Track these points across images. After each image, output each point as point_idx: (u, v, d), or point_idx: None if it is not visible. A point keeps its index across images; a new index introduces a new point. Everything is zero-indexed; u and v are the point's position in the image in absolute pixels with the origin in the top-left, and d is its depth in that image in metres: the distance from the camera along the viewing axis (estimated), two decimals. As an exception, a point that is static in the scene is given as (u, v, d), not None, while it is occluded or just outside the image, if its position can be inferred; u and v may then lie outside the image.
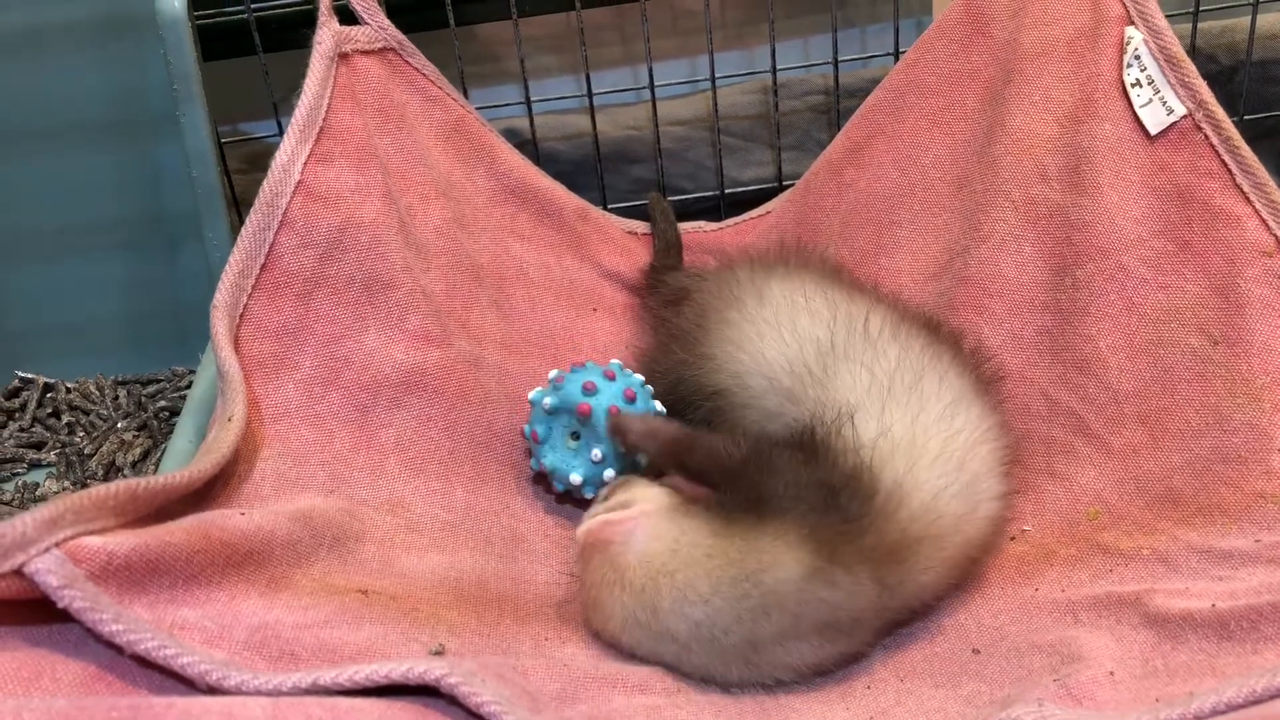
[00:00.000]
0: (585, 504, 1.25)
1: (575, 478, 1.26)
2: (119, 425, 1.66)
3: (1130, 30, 1.30)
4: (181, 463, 1.20)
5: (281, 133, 1.30)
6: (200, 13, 1.50)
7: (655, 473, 1.22)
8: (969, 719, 0.95)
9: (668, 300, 1.44)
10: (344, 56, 1.35)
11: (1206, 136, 1.24)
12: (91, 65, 1.62)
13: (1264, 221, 1.20)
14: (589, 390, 1.26)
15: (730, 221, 1.68)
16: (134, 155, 1.66)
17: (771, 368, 1.18)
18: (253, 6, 1.53)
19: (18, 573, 0.80)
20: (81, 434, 1.66)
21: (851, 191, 1.51)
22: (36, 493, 1.55)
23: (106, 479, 1.57)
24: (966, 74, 1.44)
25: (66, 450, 1.62)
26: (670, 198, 1.71)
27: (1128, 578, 1.08)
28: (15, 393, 1.74)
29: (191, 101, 1.44)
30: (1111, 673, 0.93)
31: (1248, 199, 1.21)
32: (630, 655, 1.05)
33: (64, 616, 0.83)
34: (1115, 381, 1.24)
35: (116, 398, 1.71)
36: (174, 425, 1.35)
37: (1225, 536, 1.08)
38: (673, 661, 1.03)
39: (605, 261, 1.57)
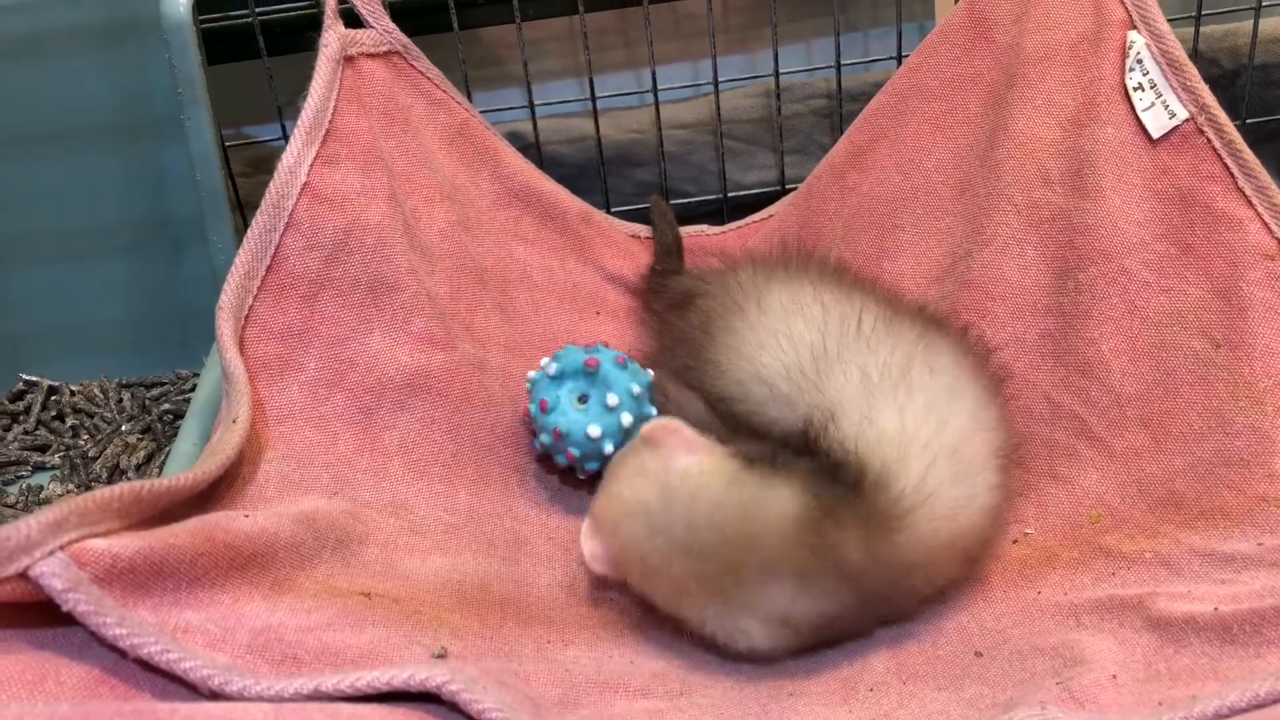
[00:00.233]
0: (585, 484, 1.27)
1: (594, 429, 1.25)
2: (123, 428, 1.67)
3: (1132, 34, 1.30)
4: (186, 465, 1.20)
5: (285, 136, 1.31)
6: (205, 16, 1.50)
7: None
8: (971, 722, 0.96)
9: (672, 304, 1.44)
10: (349, 60, 1.35)
11: (1209, 140, 1.24)
12: (96, 69, 1.62)
13: (1266, 225, 1.20)
14: (590, 350, 1.29)
15: (733, 225, 1.68)
16: (138, 159, 1.66)
17: (771, 375, 1.19)
18: (257, 10, 1.53)
19: (22, 576, 0.81)
20: (86, 437, 1.66)
21: (854, 195, 1.51)
22: (41, 495, 1.56)
23: (110, 482, 1.57)
24: (969, 78, 1.44)
25: (71, 453, 1.62)
26: (673, 201, 1.71)
27: (1130, 581, 1.08)
28: (20, 395, 1.74)
29: (196, 105, 1.45)
30: (1114, 676, 0.94)
31: (1250, 202, 1.21)
32: (616, 551, 1.08)
33: (68, 620, 0.83)
34: (1117, 385, 1.24)
35: (121, 400, 1.72)
36: (178, 428, 1.35)
37: (1228, 540, 1.08)
38: (654, 567, 1.06)
39: (608, 265, 1.57)
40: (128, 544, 0.86)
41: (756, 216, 1.67)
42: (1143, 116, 1.28)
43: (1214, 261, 1.21)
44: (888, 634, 1.11)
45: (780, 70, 1.67)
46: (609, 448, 1.26)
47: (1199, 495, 1.14)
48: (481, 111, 1.53)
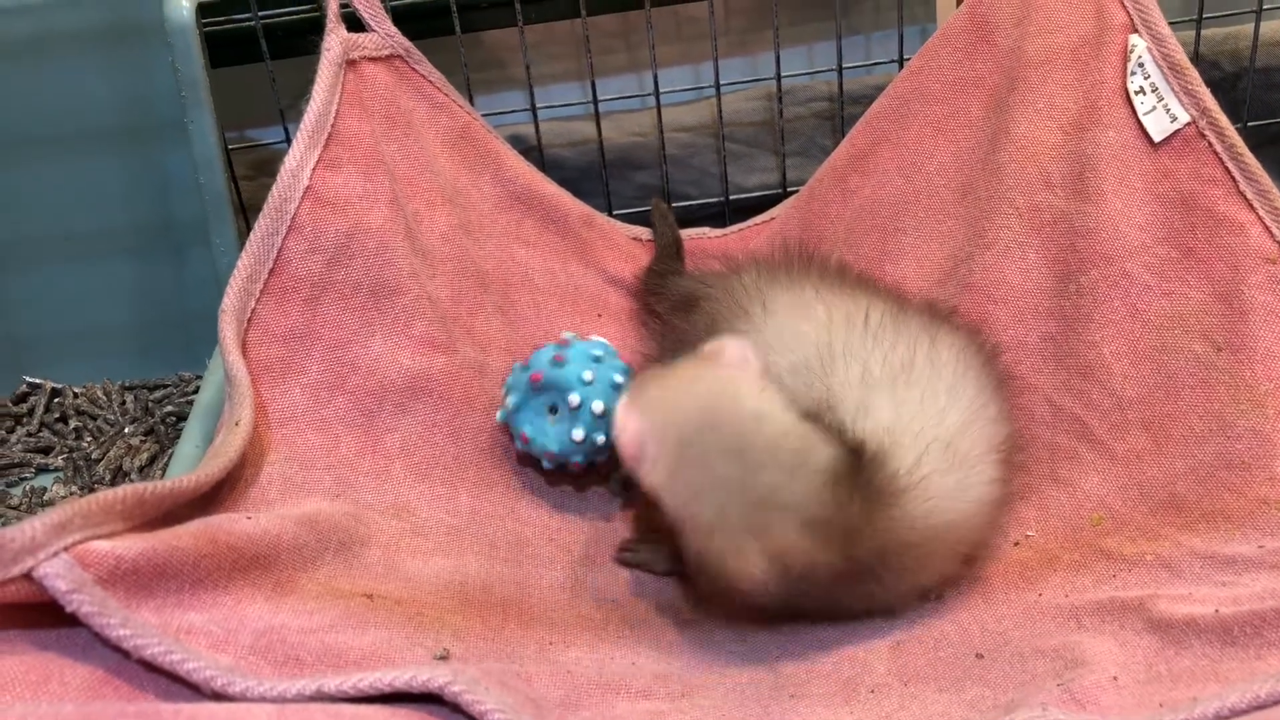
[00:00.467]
0: (587, 487, 1.28)
1: (574, 397, 1.24)
2: (126, 430, 1.67)
3: (1134, 38, 1.30)
4: (188, 467, 1.21)
5: (288, 139, 1.31)
6: (208, 20, 1.50)
7: None
8: (972, 723, 0.96)
9: (674, 306, 1.44)
10: (351, 63, 1.36)
11: (1210, 144, 1.24)
12: (99, 72, 1.62)
13: (1267, 228, 1.20)
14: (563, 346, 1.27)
15: (734, 228, 1.68)
16: (141, 162, 1.66)
17: (778, 374, 1.19)
18: (260, 14, 1.53)
19: (26, 577, 0.81)
20: (89, 439, 1.67)
21: (856, 198, 1.51)
22: (44, 497, 1.56)
23: (114, 484, 1.58)
24: (971, 81, 1.44)
25: (74, 455, 1.62)
26: (675, 204, 1.71)
27: (1131, 583, 1.08)
28: (23, 398, 1.74)
29: (199, 108, 1.45)
30: (1115, 677, 0.94)
31: (1251, 206, 1.21)
32: (652, 436, 1.06)
33: (72, 621, 0.84)
34: (1119, 387, 1.24)
35: (124, 403, 1.72)
36: (181, 430, 1.35)
37: (1229, 542, 1.08)
38: (687, 464, 1.05)
39: (610, 267, 1.58)
40: (131, 546, 0.87)
41: (758, 219, 1.67)
42: (1144, 120, 1.28)
43: (1215, 265, 1.22)
44: (889, 636, 1.11)
45: (782, 73, 1.67)
46: (579, 459, 1.26)
47: (1200, 498, 1.14)
48: (483, 114, 1.53)
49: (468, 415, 1.30)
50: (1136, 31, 1.31)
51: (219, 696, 0.85)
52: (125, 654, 0.84)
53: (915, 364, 1.14)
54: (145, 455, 1.61)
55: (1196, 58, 1.61)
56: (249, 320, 1.20)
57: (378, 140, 1.34)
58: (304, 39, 1.39)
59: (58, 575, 0.82)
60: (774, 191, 1.76)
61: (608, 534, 1.28)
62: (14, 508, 1.54)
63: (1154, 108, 1.28)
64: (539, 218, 1.54)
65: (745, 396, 1.08)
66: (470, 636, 1.04)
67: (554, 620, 1.14)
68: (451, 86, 1.48)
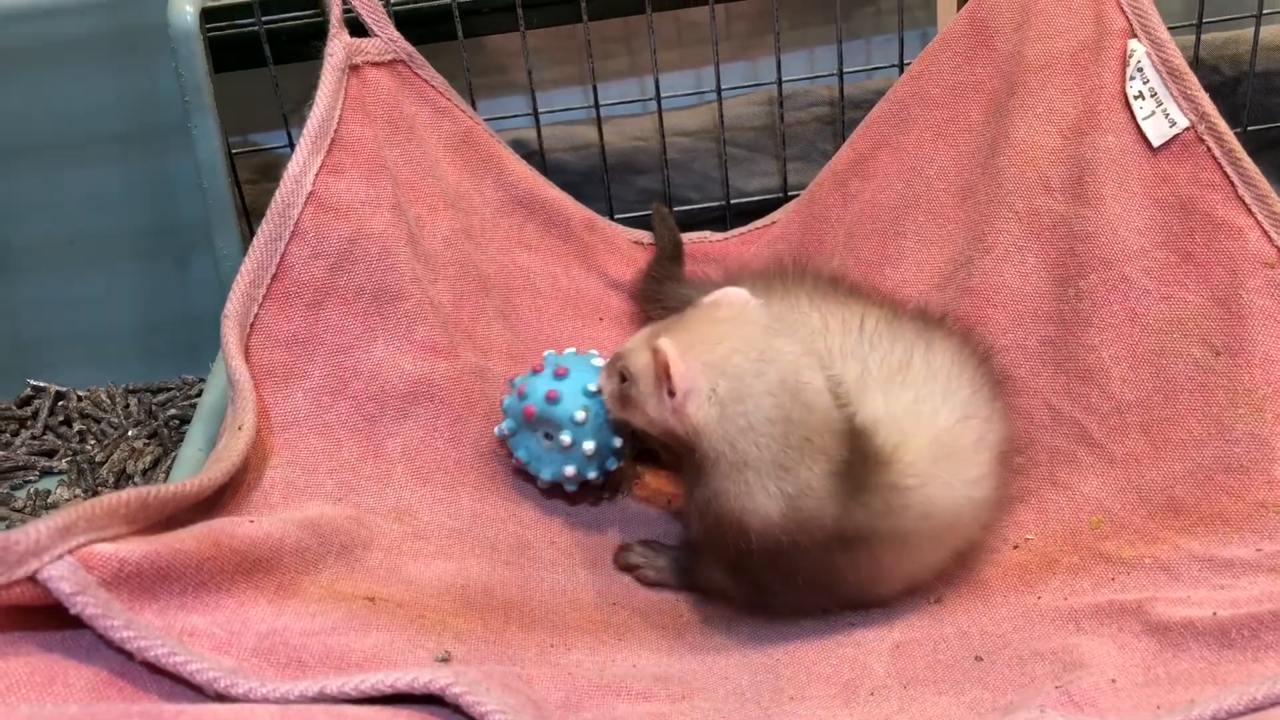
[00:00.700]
0: (587, 490, 1.29)
1: (565, 438, 1.24)
2: (130, 433, 1.67)
3: (1133, 43, 1.31)
4: (191, 470, 1.21)
5: (291, 144, 1.32)
6: (212, 25, 1.51)
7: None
8: (971, 726, 0.96)
9: (670, 313, 1.44)
10: (354, 68, 1.36)
11: (1209, 148, 1.25)
12: (104, 77, 1.63)
13: (1266, 233, 1.20)
14: (552, 399, 1.24)
15: (735, 232, 1.68)
16: (146, 166, 1.67)
17: None
18: (263, 19, 1.54)
19: (31, 579, 0.82)
20: (93, 442, 1.67)
21: (856, 202, 1.52)
22: (48, 500, 1.57)
23: (117, 486, 1.58)
24: (971, 86, 1.45)
25: (78, 458, 1.63)
26: (676, 208, 1.72)
27: (1130, 586, 1.09)
28: (27, 401, 1.75)
29: (203, 113, 1.46)
30: (1113, 680, 0.94)
31: (1249, 210, 1.22)
32: (698, 387, 1.08)
33: (76, 623, 0.84)
34: (1118, 391, 1.24)
35: (127, 406, 1.72)
36: (184, 433, 1.36)
37: (1227, 545, 1.09)
38: (738, 398, 1.07)
39: (611, 271, 1.58)
40: (135, 549, 0.87)
41: (759, 223, 1.67)
42: (1143, 125, 1.29)
43: (1214, 269, 1.22)
44: (889, 639, 1.11)
45: (783, 78, 1.68)
46: (574, 486, 1.27)
47: (1198, 501, 1.15)
48: (486, 119, 1.54)
49: (469, 420, 1.30)
50: (1135, 36, 1.31)
51: (222, 698, 0.85)
52: (129, 656, 0.85)
53: (911, 366, 1.15)
54: (149, 458, 1.62)
55: (1196, 62, 1.61)
56: (252, 325, 1.20)
57: (380, 145, 1.34)
58: (306, 44, 1.40)
59: (62, 578, 0.82)
60: (775, 195, 1.77)
61: (608, 537, 1.29)
62: (18, 510, 1.55)
63: (1153, 113, 1.28)
64: (541, 222, 1.55)
65: (786, 337, 1.11)
66: (471, 639, 1.05)
67: (555, 623, 1.14)
68: (454, 91, 1.49)
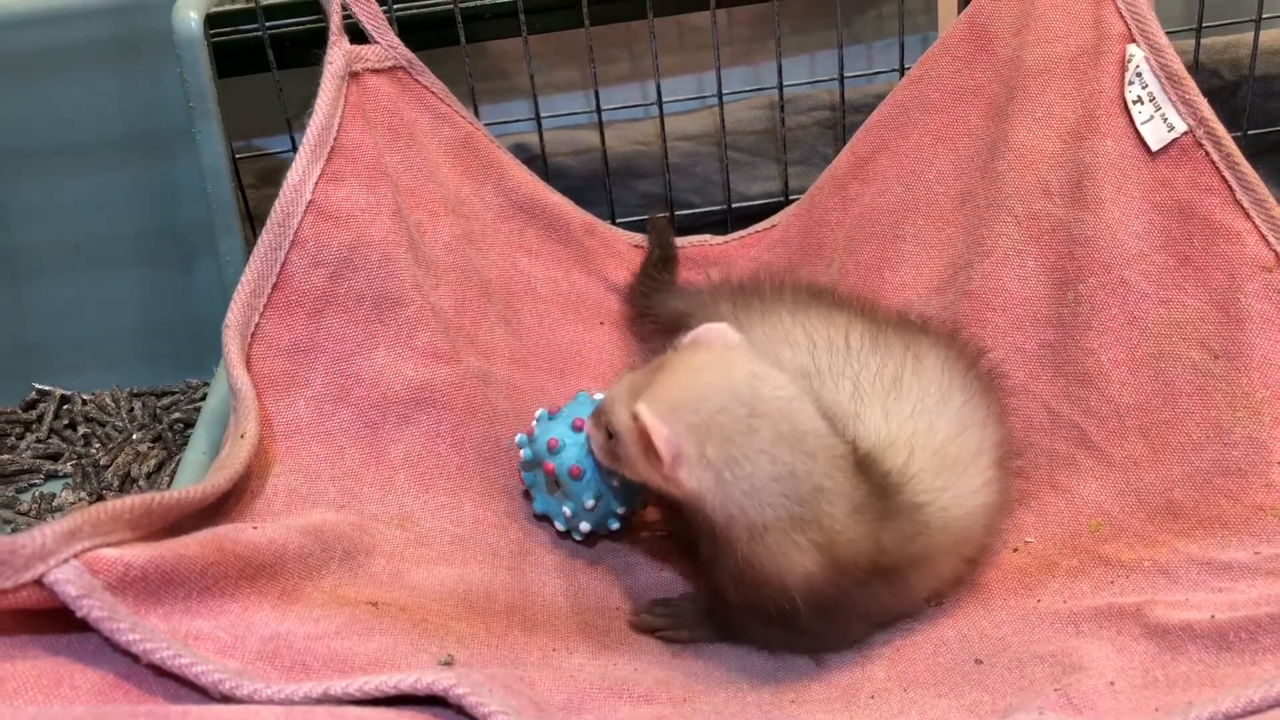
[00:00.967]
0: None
1: (584, 527, 1.23)
2: (134, 437, 1.68)
3: (1132, 48, 1.31)
4: (195, 474, 1.22)
5: (294, 148, 1.32)
6: (215, 30, 1.52)
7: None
8: (970, 728, 0.97)
9: (659, 328, 1.45)
10: (355, 75, 1.37)
11: (1207, 153, 1.25)
12: (108, 83, 1.63)
13: (1264, 237, 1.21)
14: (553, 448, 1.20)
15: (736, 235, 1.69)
16: (150, 171, 1.67)
17: None
18: (267, 25, 1.55)
19: (38, 583, 0.82)
20: (97, 445, 1.68)
21: (856, 206, 1.52)
22: (53, 503, 1.57)
23: (122, 490, 1.59)
24: (970, 90, 1.45)
25: (83, 461, 1.64)
26: (677, 212, 1.72)
27: (1128, 589, 1.09)
28: (32, 404, 1.76)
29: (207, 118, 1.46)
30: (1112, 683, 0.95)
31: (1248, 215, 1.22)
32: (684, 456, 1.02)
33: (82, 626, 0.85)
34: (1117, 395, 1.25)
35: (132, 410, 1.73)
36: (188, 437, 1.36)
37: (1225, 549, 1.09)
38: (724, 482, 1.02)
39: (612, 276, 1.59)
40: (140, 553, 0.88)
41: (760, 226, 1.68)
42: (1142, 129, 1.29)
43: (1212, 273, 1.23)
44: (889, 642, 1.12)
45: (784, 82, 1.68)
46: (586, 525, 1.23)
47: (1197, 504, 1.15)
48: (488, 124, 1.54)
49: (471, 425, 1.30)
50: (1134, 41, 1.31)
51: (227, 699, 0.86)
52: (134, 658, 0.86)
53: (903, 379, 1.15)
54: (153, 462, 1.62)
55: (1196, 66, 1.61)
56: (253, 334, 1.20)
57: (380, 152, 1.35)
58: (311, 49, 1.40)
59: (68, 581, 0.83)
60: (776, 199, 1.77)
61: (610, 543, 1.29)
62: (23, 513, 1.55)
63: (1151, 117, 1.29)
64: (541, 227, 1.55)
65: (773, 380, 1.05)
66: (474, 643, 1.05)
67: (557, 627, 1.15)
68: (454, 97, 1.49)
